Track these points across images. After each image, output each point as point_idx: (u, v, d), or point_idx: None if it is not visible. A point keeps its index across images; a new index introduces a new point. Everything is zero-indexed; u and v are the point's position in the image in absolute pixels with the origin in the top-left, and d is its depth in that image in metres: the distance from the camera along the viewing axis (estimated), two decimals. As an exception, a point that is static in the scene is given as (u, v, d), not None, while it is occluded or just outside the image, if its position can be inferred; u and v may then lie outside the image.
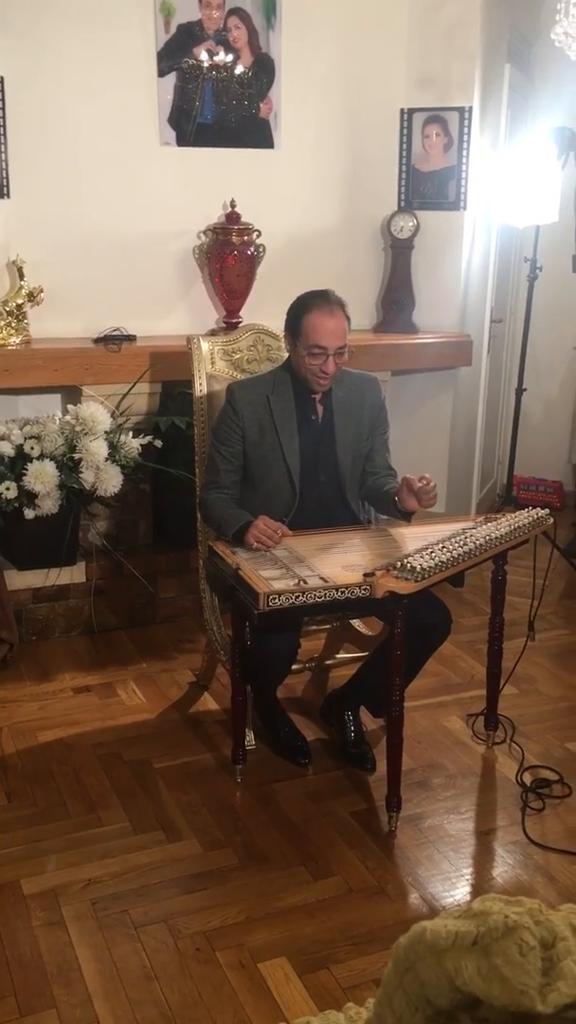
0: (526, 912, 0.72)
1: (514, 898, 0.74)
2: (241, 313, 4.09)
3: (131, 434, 3.66)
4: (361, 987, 2.11)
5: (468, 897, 2.42)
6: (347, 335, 2.82)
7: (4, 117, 3.66)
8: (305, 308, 2.81)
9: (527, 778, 2.89)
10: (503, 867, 2.53)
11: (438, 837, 2.64)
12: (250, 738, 2.99)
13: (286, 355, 3.10)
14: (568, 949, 0.70)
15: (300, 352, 2.82)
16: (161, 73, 3.90)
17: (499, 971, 0.68)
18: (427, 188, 4.38)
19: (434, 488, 2.74)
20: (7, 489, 3.43)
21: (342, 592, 2.41)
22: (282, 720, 3.07)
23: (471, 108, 4.26)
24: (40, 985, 2.10)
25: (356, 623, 3.29)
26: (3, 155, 3.69)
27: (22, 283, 3.72)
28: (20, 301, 3.72)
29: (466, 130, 4.28)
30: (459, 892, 2.43)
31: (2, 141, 3.68)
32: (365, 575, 2.45)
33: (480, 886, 2.46)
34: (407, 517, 2.87)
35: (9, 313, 3.70)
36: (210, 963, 2.17)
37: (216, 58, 3.97)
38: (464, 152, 4.30)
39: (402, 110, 4.34)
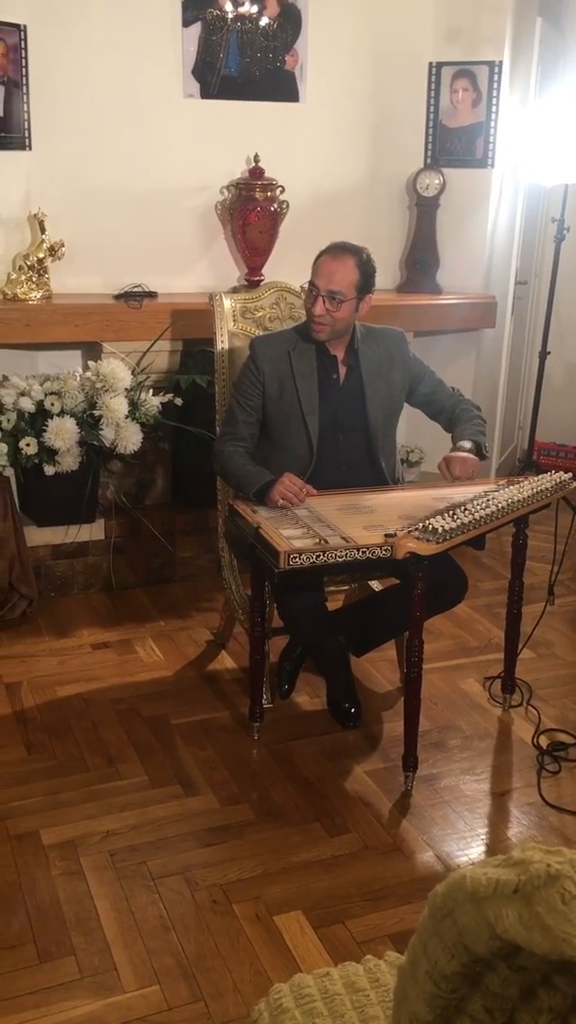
0: (567, 861, 0.72)
1: (554, 848, 0.74)
2: (263, 271, 4.05)
3: (151, 392, 3.65)
4: (375, 942, 2.13)
5: (483, 856, 2.44)
6: (347, 285, 2.76)
7: (27, 67, 3.61)
8: (321, 251, 2.84)
9: (543, 741, 2.90)
10: (518, 828, 2.55)
11: (453, 797, 2.66)
12: (267, 696, 3.01)
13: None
14: (608, 899, 0.70)
15: (305, 291, 2.85)
16: (186, 23, 3.83)
17: (541, 919, 0.68)
18: (454, 145, 4.30)
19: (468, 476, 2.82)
20: (27, 445, 3.43)
21: (363, 552, 2.41)
22: (338, 675, 3.02)
23: (501, 62, 4.17)
24: (59, 933, 2.13)
25: (375, 584, 3.29)
26: (25, 107, 3.64)
27: (43, 237, 3.69)
28: (41, 255, 3.70)
29: (495, 85, 4.18)
30: (473, 851, 2.45)
31: (24, 92, 3.63)
32: (386, 535, 2.44)
33: (495, 846, 2.48)
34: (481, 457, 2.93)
35: (30, 267, 3.68)
36: (226, 915, 2.20)
37: (241, 8, 3.89)
38: (493, 108, 4.21)
39: (430, 64, 4.25)
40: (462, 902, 0.72)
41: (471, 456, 2.84)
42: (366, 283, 2.80)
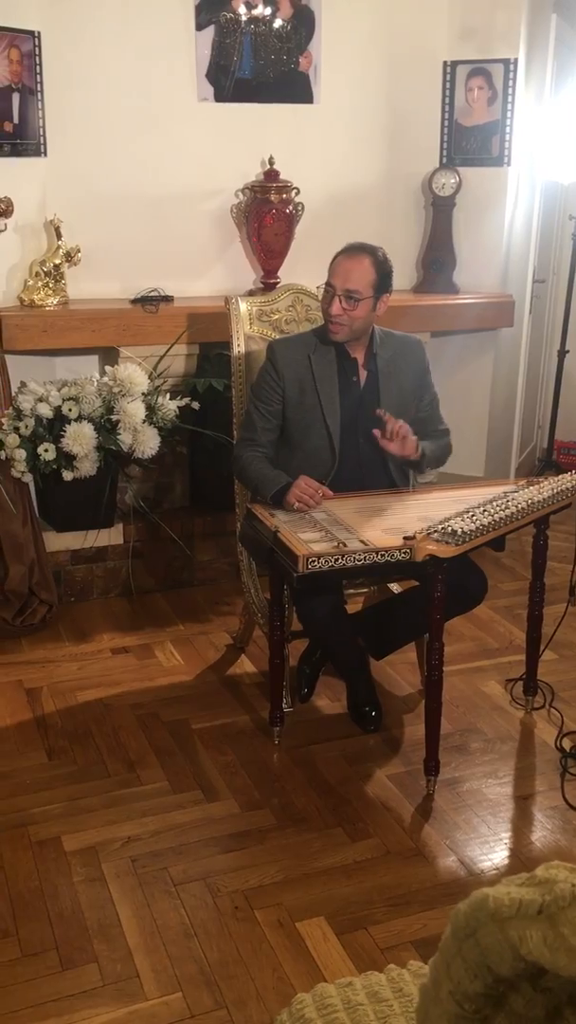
0: (593, 881, 0.70)
1: (579, 866, 0.73)
2: (279, 273, 4.04)
3: (168, 396, 3.64)
4: (399, 948, 2.12)
5: (507, 861, 2.42)
6: (364, 284, 2.75)
7: (41, 74, 3.62)
8: (338, 251, 2.82)
9: (566, 743, 2.87)
10: (542, 832, 2.52)
11: (476, 801, 2.64)
12: (287, 700, 2.99)
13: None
14: None
15: (322, 292, 2.85)
16: (199, 27, 3.82)
17: (566, 941, 0.66)
18: (470, 143, 4.28)
19: (400, 432, 2.76)
20: (45, 451, 3.43)
21: (382, 555, 2.39)
22: (358, 679, 3.00)
23: (516, 60, 4.14)
24: (81, 940, 2.13)
25: (394, 586, 3.27)
26: (40, 113, 3.65)
27: (59, 243, 3.70)
28: (58, 261, 3.70)
29: (511, 83, 4.16)
30: (497, 856, 2.43)
31: (39, 98, 3.64)
32: (405, 538, 2.43)
33: (518, 850, 2.45)
34: (415, 467, 2.92)
35: (47, 273, 3.69)
36: (248, 921, 2.19)
37: (255, 11, 3.89)
38: (509, 106, 4.18)
39: (445, 63, 4.23)
40: (485, 922, 0.70)
41: (412, 437, 2.79)
42: (383, 282, 2.79)
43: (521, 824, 2.57)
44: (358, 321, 2.78)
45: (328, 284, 2.79)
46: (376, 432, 2.78)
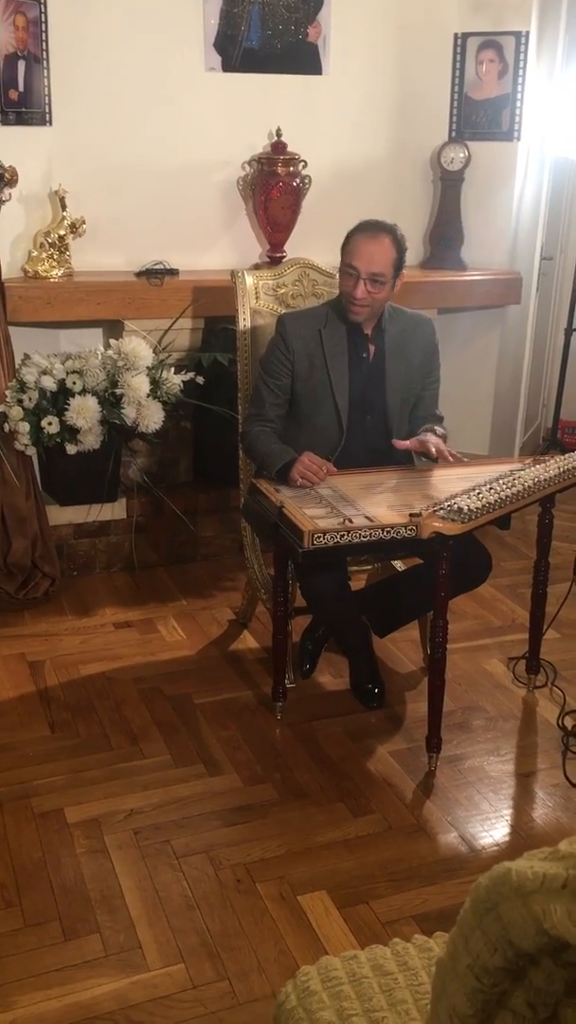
0: (617, 855, 0.70)
1: (603, 841, 0.72)
2: (285, 247, 4.00)
3: (173, 370, 3.62)
4: (400, 922, 2.13)
5: (508, 838, 2.42)
6: (387, 265, 2.73)
7: (47, 42, 3.57)
8: (354, 230, 2.78)
9: (568, 722, 2.87)
10: (543, 809, 2.53)
11: (478, 778, 2.64)
12: (290, 676, 3.00)
13: (333, 290, 3.05)
14: None
15: (340, 272, 2.80)
16: (207, -5, 3.77)
17: (591, 915, 0.66)
18: (480, 117, 4.23)
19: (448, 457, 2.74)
20: (49, 424, 3.42)
21: (387, 532, 2.38)
22: (361, 656, 3.01)
23: (528, 33, 4.09)
24: (84, 911, 2.14)
25: (397, 564, 3.27)
26: (46, 81, 3.61)
27: (64, 214, 3.66)
28: (62, 232, 3.67)
29: (522, 56, 4.10)
30: (498, 832, 2.44)
31: (45, 67, 3.59)
32: (411, 515, 2.42)
33: (520, 827, 2.46)
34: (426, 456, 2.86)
35: (51, 244, 3.65)
36: (251, 894, 2.20)
37: (264, -21, 3.83)
38: (520, 79, 4.13)
39: (455, 35, 4.17)
40: (507, 896, 0.70)
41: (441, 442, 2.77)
42: (400, 261, 2.78)
43: (522, 801, 2.58)
44: (379, 302, 2.78)
45: (350, 266, 2.74)
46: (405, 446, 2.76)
